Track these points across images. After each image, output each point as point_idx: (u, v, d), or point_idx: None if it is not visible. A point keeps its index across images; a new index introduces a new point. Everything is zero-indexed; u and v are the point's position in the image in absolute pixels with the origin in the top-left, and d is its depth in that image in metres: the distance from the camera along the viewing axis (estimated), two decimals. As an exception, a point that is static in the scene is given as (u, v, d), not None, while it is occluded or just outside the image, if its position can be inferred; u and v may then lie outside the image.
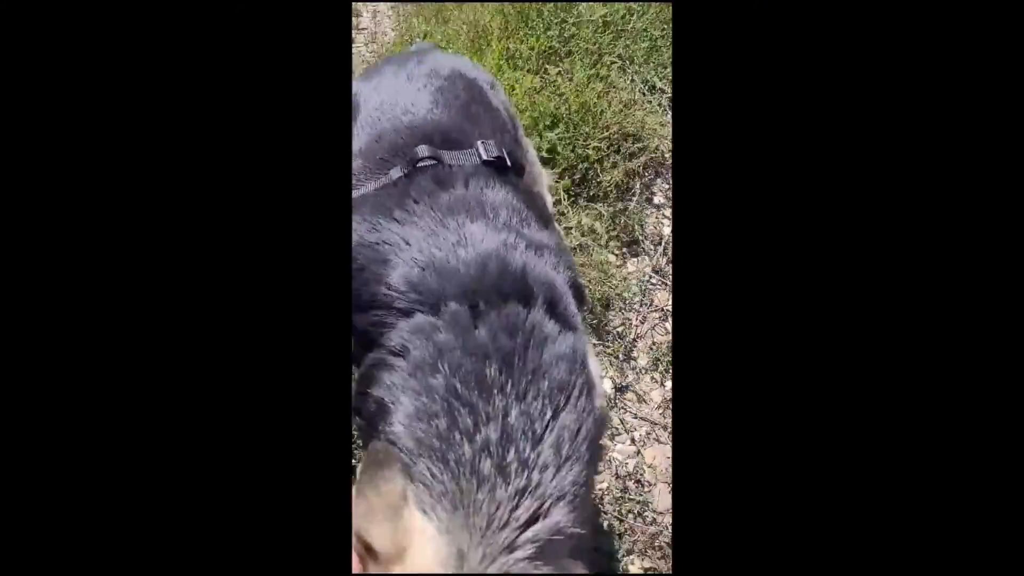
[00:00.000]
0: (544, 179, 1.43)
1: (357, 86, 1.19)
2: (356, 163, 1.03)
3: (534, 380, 0.73)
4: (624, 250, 1.76)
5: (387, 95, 1.10)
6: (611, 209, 1.76)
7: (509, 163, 1.01)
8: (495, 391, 0.71)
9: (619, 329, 1.61)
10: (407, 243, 0.88)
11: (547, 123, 1.80)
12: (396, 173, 0.97)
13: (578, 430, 0.73)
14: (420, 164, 0.96)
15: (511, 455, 0.68)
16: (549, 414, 0.72)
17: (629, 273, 1.70)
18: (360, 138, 1.07)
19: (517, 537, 0.66)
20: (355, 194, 0.98)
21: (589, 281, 1.61)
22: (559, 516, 0.68)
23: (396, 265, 0.86)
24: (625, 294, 1.64)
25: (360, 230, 0.91)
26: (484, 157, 0.99)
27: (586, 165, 1.79)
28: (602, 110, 1.82)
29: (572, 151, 1.79)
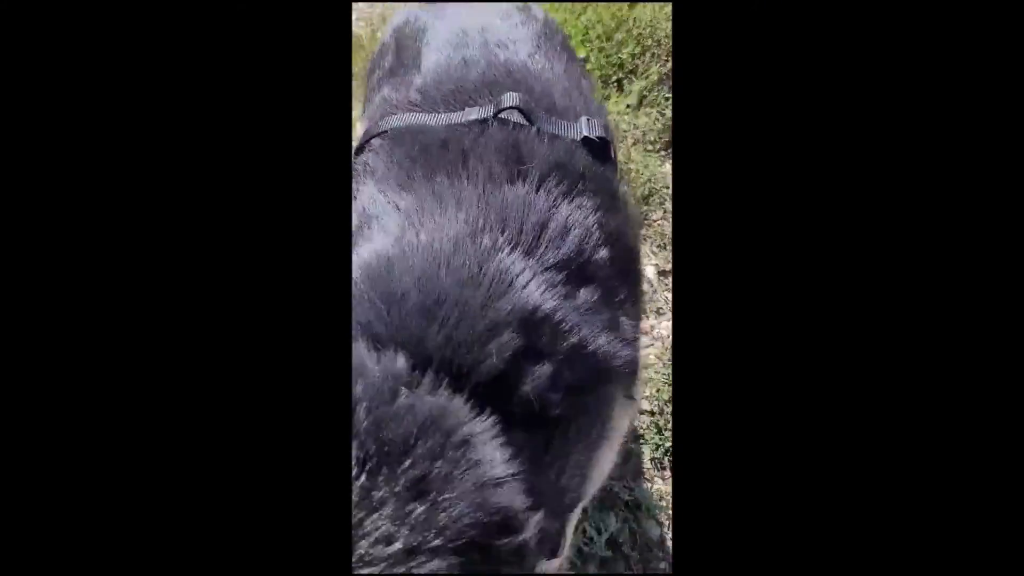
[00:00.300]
0: None
1: (412, 14, 0.91)
2: (423, 82, 0.78)
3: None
4: (661, 152, 1.81)
5: (472, 22, 0.83)
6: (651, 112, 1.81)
7: (613, 154, 0.73)
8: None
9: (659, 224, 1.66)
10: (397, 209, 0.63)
11: (582, 37, 1.86)
12: (474, 114, 0.70)
13: None
14: (503, 114, 0.69)
15: None
16: None
17: (667, 173, 1.75)
18: (431, 58, 0.80)
19: None
20: (412, 118, 0.72)
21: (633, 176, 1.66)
22: None
23: (370, 238, 0.62)
24: (665, 190, 1.70)
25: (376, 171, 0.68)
26: (586, 133, 0.70)
27: (620, 74, 1.85)
28: (634, 18, 1.88)
29: (606, 59, 1.85)
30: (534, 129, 0.67)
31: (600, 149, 0.70)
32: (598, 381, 0.60)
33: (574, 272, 0.60)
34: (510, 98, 0.68)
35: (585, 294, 0.61)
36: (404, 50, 0.87)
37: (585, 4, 1.92)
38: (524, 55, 0.78)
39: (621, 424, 0.68)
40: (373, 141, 0.73)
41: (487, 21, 0.83)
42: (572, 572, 1.12)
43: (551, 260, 0.59)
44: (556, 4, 1.94)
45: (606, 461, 0.67)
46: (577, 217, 0.63)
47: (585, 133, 0.69)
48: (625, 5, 1.90)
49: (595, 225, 0.64)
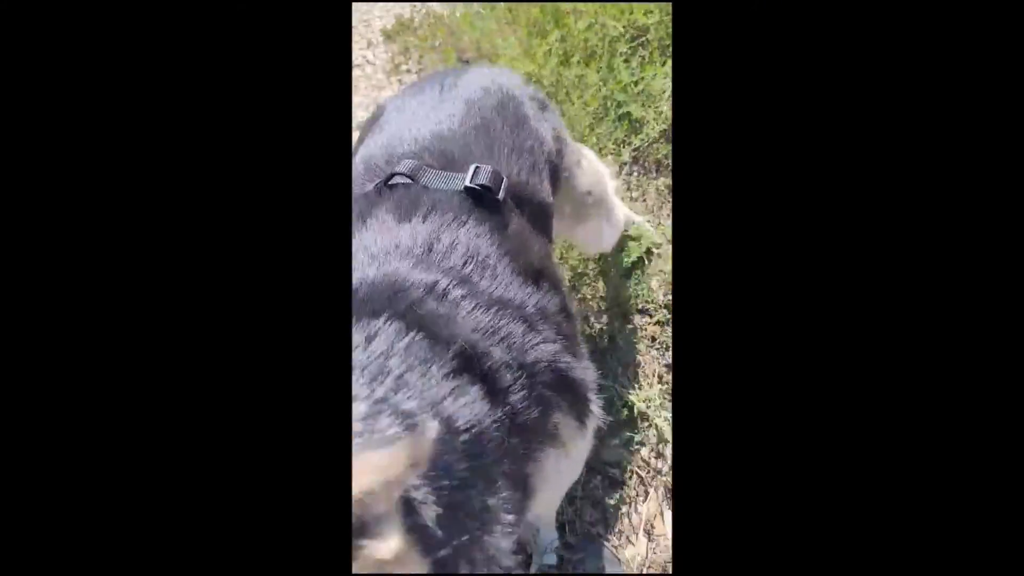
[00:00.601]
0: (606, 179, 1.28)
1: (384, 102, 1.07)
2: (356, 170, 0.93)
3: None
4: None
5: (410, 108, 0.98)
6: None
7: (500, 195, 0.84)
8: None
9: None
10: None
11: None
12: (367, 188, 0.86)
13: None
14: (392, 182, 0.84)
15: None
16: None
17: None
18: (366, 148, 0.96)
19: None
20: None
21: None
22: None
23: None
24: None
25: None
26: (467, 183, 0.82)
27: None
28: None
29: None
30: (419, 185, 0.83)
31: (478, 194, 0.83)
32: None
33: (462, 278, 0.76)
34: (403, 166, 0.85)
35: (501, 286, 0.77)
36: (365, 132, 1.05)
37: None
38: (431, 126, 0.92)
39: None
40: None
41: (423, 102, 0.98)
42: (573, 572, 1.14)
43: (441, 264, 0.76)
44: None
45: None
46: (463, 234, 0.79)
47: (467, 182, 0.83)
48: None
49: (483, 237, 0.80)
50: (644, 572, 1.16)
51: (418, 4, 2.64)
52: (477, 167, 0.84)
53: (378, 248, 0.78)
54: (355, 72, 2.49)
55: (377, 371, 0.61)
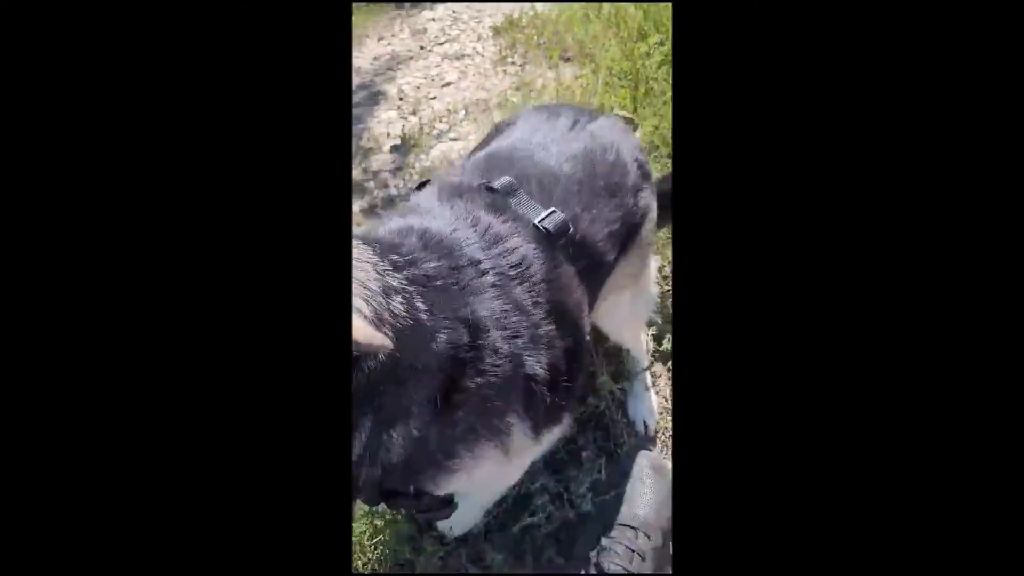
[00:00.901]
0: (650, 272, 1.31)
1: (518, 113, 1.18)
2: (474, 160, 1.05)
3: None
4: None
5: (542, 130, 1.07)
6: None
7: (564, 241, 0.93)
8: None
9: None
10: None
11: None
12: (475, 180, 0.98)
13: None
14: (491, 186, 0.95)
15: None
16: None
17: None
18: (495, 145, 1.08)
19: None
20: (453, 178, 1.02)
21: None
22: None
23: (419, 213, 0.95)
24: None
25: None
26: (536, 221, 0.92)
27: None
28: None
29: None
30: (509, 200, 0.95)
31: (545, 235, 0.93)
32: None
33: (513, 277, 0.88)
34: (504, 180, 0.97)
35: (519, 293, 0.87)
36: (494, 132, 1.19)
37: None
38: (551, 159, 1.03)
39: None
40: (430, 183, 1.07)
41: (543, 129, 1.08)
42: (573, 572, 1.17)
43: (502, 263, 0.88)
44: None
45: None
46: (518, 245, 0.90)
47: (536, 220, 0.93)
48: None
49: (532, 256, 0.90)
50: (644, 572, 1.17)
51: (526, 4, 2.84)
52: (553, 211, 0.94)
53: (458, 214, 0.91)
54: (465, 62, 2.71)
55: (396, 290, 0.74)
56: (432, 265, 0.81)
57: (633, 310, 1.31)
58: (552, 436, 0.97)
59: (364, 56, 2.95)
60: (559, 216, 0.94)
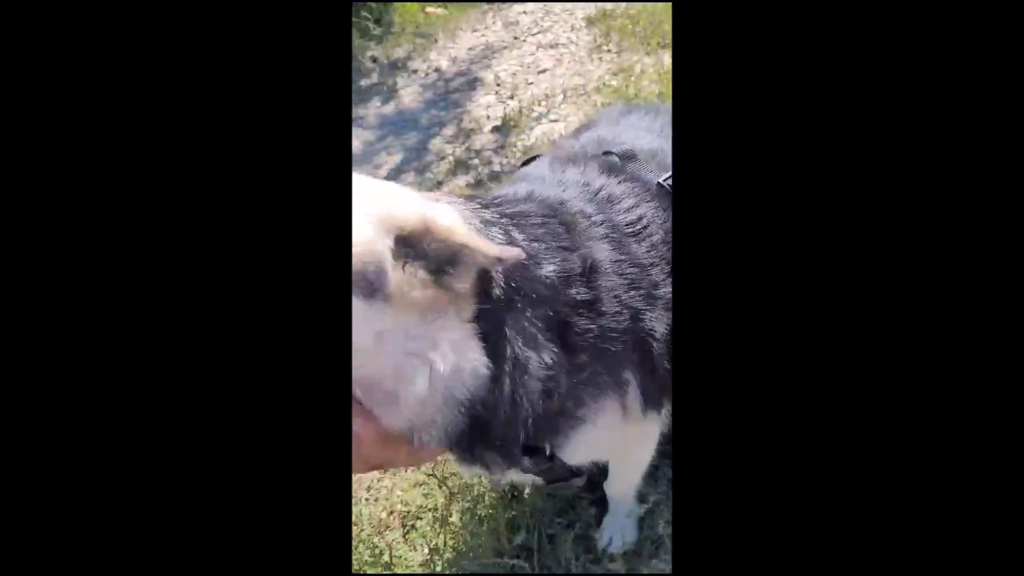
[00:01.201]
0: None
1: (600, 113, 1.25)
2: (585, 139, 1.10)
3: None
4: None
5: (629, 122, 1.14)
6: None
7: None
8: None
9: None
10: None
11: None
12: (588, 151, 1.01)
13: None
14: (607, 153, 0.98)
15: None
16: None
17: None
18: (594, 132, 1.12)
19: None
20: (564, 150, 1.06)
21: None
22: None
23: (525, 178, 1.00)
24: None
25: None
26: (660, 180, 0.92)
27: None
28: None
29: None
30: (626, 164, 0.97)
31: (668, 195, 0.94)
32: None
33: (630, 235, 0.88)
34: (620, 147, 0.99)
35: (636, 249, 0.86)
36: (583, 129, 1.23)
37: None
38: (652, 140, 1.06)
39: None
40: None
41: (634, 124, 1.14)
42: (573, 572, 1.16)
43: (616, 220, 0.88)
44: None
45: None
46: (635, 203, 0.90)
47: (659, 180, 0.94)
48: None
49: (652, 216, 0.89)
50: (643, 572, 1.15)
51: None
52: (670, 175, 0.94)
53: (570, 178, 0.92)
54: (559, 50, 2.77)
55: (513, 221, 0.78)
56: (531, 207, 0.82)
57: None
58: (667, 412, 0.94)
59: (459, 47, 3.04)
60: (669, 180, 0.93)
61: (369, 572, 1.22)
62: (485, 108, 2.53)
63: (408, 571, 1.21)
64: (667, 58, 2.44)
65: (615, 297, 0.81)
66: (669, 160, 0.99)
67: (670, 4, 2.65)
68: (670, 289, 0.86)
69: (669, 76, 2.29)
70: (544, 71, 2.67)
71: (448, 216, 0.67)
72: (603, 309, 0.80)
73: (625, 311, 0.81)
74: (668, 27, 2.57)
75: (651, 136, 1.07)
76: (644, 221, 0.88)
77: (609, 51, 2.66)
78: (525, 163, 1.06)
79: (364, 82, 2.95)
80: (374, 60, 3.08)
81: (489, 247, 0.65)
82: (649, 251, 0.87)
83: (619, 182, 0.92)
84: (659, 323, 0.85)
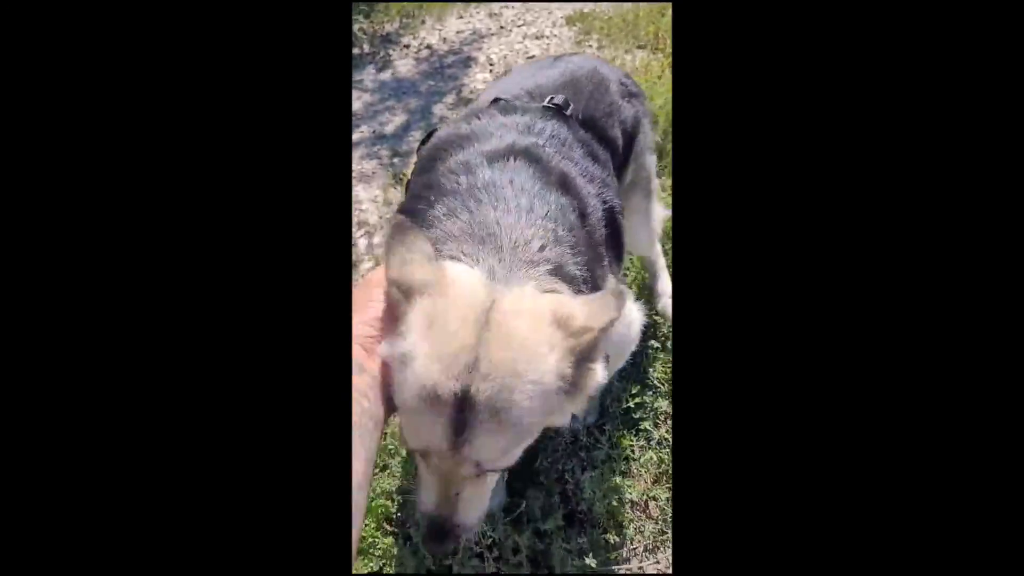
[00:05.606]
0: (656, 206, 1.50)
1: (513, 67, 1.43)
2: (482, 101, 1.25)
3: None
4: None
5: (528, 71, 1.34)
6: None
7: (568, 112, 1.11)
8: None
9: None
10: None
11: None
12: (484, 106, 1.15)
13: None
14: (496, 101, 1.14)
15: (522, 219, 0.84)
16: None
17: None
18: (493, 89, 1.30)
19: (534, 255, 0.80)
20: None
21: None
22: (563, 248, 0.83)
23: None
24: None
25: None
26: (545, 104, 1.11)
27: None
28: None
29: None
30: (514, 104, 1.15)
31: (555, 110, 1.13)
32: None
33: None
34: (506, 94, 1.19)
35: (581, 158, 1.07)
36: (493, 84, 1.49)
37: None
38: (540, 80, 1.27)
39: None
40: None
41: (528, 70, 1.39)
42: (573, 572, 1.19)
43: (529, 131, 1.05)
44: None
45: None
46: (542, 125, 1.08)
47: (543, 104, 1.14)
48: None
49: (556, 128, 1.07)
50: (644, 572, 1.18)
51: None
52: (552, 96, 1.15)
53: (494, 127, 1.04)
54: (544, 42, 3.06)
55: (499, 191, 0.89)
56: (518, 166, 0.95)
57: (649, 225, 1.55)
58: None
59: (448, 29, 3.26)
60: (560, 97, 1.16)
61: (369, 572, 1.22)
62: (482, 82, 2.77)
63: (408, 571, 1.22)
64: (641, 55, 2.79)
65: (588, 196, 1.03)
66: (546, 92, 1.21)
67: (643, 11, 3.03)
68: (603, 170, 1.10)
69: (648, 70, 2.64)
70: (532, 57, 2.94)
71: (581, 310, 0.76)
72: (589, 221, 1.01)
73: (596, 205, 1.04)
74: (643, 32, 2.93)
75: (530, 82, 1.28)
76: (555, 132, 1.06)
77: (591, 45, 2.98)
78: (424, 141, 1.16)
79: (355, 51, 3.10)
80: (363, 32, 3.23)
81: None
82: (573, 151, 1.07)
83: (522, 113, 1.10)
84: (617, 200, 1.10)
